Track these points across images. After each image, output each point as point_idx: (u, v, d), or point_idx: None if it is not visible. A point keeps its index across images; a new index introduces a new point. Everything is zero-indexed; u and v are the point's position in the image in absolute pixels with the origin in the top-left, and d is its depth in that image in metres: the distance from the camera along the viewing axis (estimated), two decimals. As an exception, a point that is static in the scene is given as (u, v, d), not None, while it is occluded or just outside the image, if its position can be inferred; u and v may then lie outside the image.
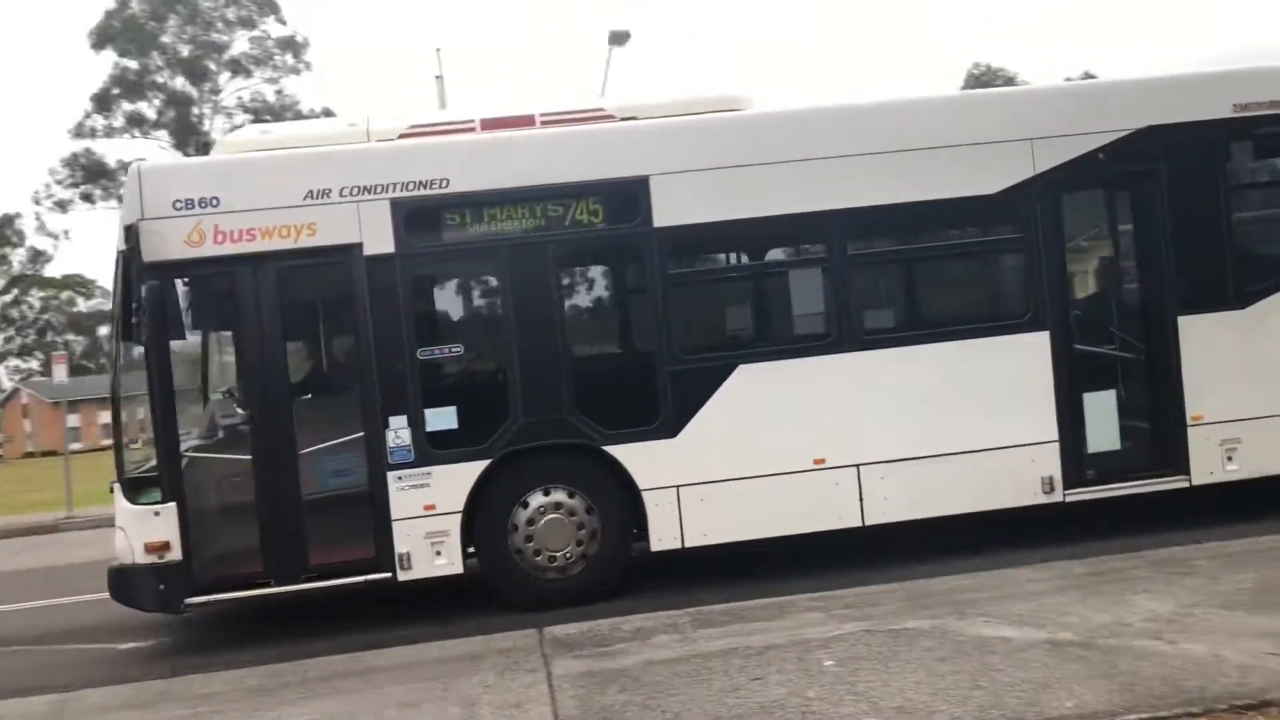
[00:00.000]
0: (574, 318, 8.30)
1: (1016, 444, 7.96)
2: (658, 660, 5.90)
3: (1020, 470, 7.96)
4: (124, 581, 7.53)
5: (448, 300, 8.50)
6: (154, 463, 7.45)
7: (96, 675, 7.07)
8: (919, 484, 7.88)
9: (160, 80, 47.07)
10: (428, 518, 7.57)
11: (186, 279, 7.70)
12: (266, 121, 40.50)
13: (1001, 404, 7.98)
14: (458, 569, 7.61)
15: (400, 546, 7.50)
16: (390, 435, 7.53)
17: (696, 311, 8.38)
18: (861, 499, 7.89)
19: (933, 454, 7.90)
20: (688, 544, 7.80)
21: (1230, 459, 8.11)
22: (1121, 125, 8.16)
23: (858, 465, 7.90)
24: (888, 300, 8.58)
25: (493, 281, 8.17)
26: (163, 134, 47.52)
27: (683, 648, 6.11)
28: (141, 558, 7.32)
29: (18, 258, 63.73)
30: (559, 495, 7.76)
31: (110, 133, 47.49)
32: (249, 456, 7.55)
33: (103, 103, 46.64)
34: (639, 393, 7.92)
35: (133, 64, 46.35)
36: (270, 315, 7.59)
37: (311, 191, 7.55)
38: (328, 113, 42.02)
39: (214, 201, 7.44)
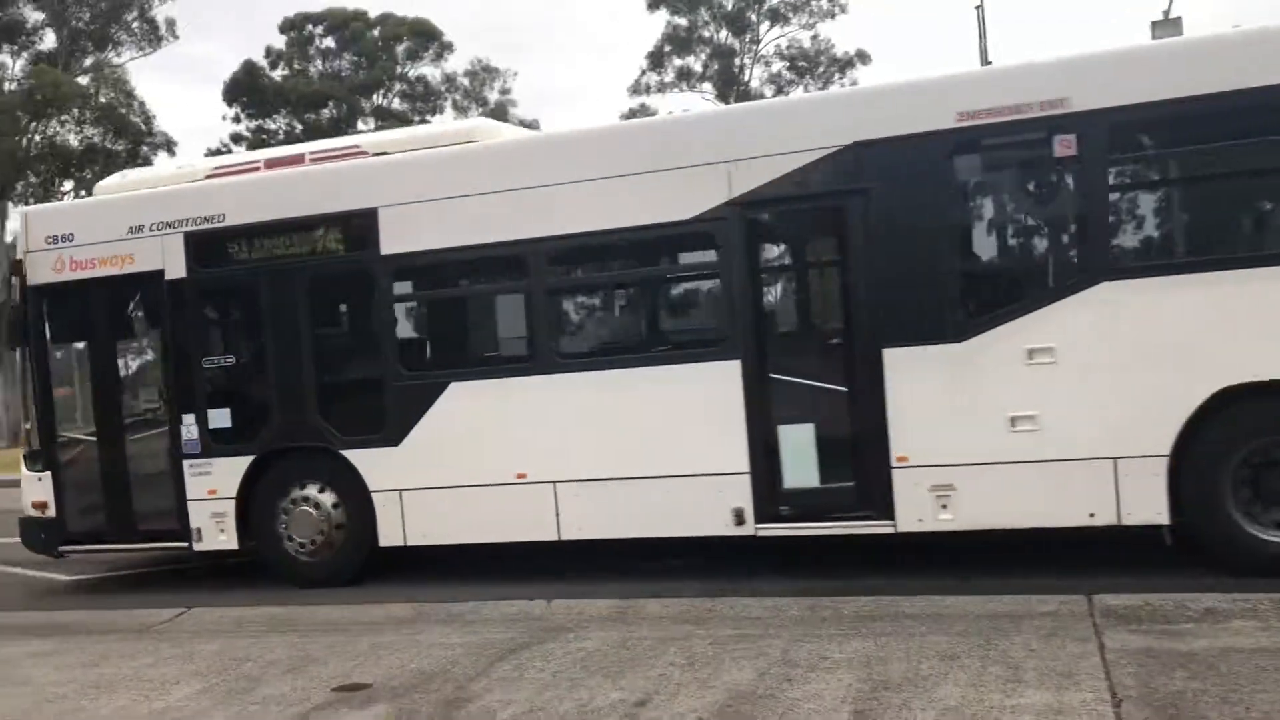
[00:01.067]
0: (320, 335, 9.04)
1: (706, 473, 7.67)
2: (1237, 649, 5.14)
3: (710, 500, 7.65)
4: (24, 529, 9.53)
5: (225, 318, 9.72)
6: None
7: (647, 589, 7.57)
8: (612, 505, 7.92)
9: (706, 35, 50.00)
10: (211, 500, 8.94)
11: (54, 299, 9.41)
12: (802, 68, 41.62)
13: (692, 432, 7.71)
14: (234, 545, 8.91)
15: (194, 522, 8.96)
16: (184, 430, 8.97)
17: (416, 333, 9.26)
18: (558, 514, 8.08)
19: (625, 476, 7.88)
20: (410, 543, 8.52)
21: (944, 507, 7.19)
22: (824, 143, 7.41)
23: (554, 482, 8.10)
24: (585, 325, 8.88)
25: (260, 302, 9.01)
26: (707, 86, 50.56)
27: (1267, 638, 5.26)
28: (31, 512, 9.44)
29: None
30: (310, 490, 8.82)
31: (662, 88, 51.42)
32: (95, 440, 9.32)
33: (656, 60, 50.56)
34: (370, 404, 8.65)
35: (682, 21, 49.63)
36: (104, 328, 9.43)
37: (131, 227, 9.10)
38: (861, 56, 42.07)
39: (70, 237, 9.26)
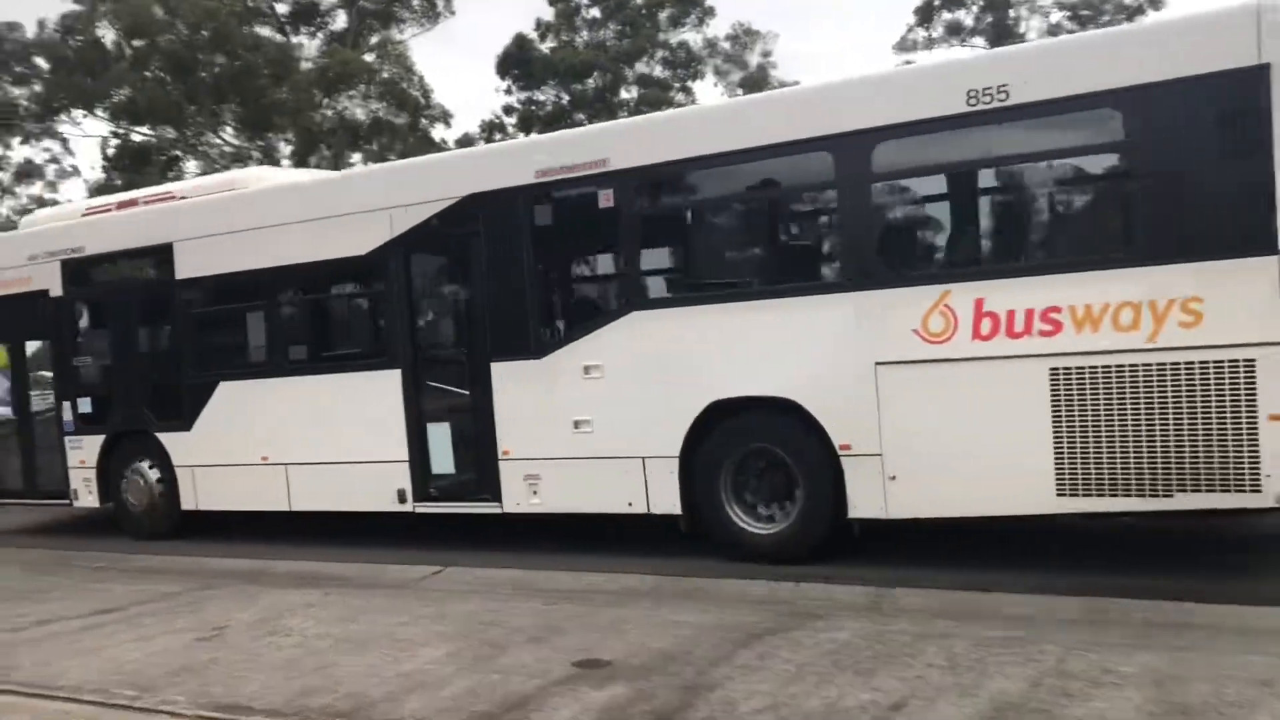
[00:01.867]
0: (144, 344, 11.47)
1: (379, 460, 9.33)
2: None
3: (382, 481, 9.34)
4: None
5: (87, 327, 11.86)
6: None
7: (909, 575, 7.11)
8: (322, 483, 9.77)
9: (979, -15, 47.32)
10: (82, 469, 11.42)
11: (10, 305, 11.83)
12: (1085, 16, 38.97)
13: (370, 427, 9.34)
14: (96, 503, 11.36)
15: (72, 484, 11.49)
16: (64, 414, 11.52)
17: (199, 342, 10.84)
18: (289, 489, 10.01)
19: (328, 461, 9.67)
20: (200, 508, 10.68)
21: (535, 493, 8.62)
22: (451, 194, 8.91)
23: (286, 464, 10.01)
24: (300, 338, 10.28)
25: (106, 315, 11.59)
26: (979, 40, 47.86)
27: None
28: None
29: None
30: (142, 465, 11.03)
31: (930, 44, 49.13)
32: (15, 419, 12.07)
33: (924, 14, 48.32)
34: (172, 399, 10.81)
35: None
36: (16, 333, 12.07)
37: (29, 256, 11.63)
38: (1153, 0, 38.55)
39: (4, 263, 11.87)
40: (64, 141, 55.66)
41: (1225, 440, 6.31)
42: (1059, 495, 6.77)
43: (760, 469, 7.87)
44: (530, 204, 8.62)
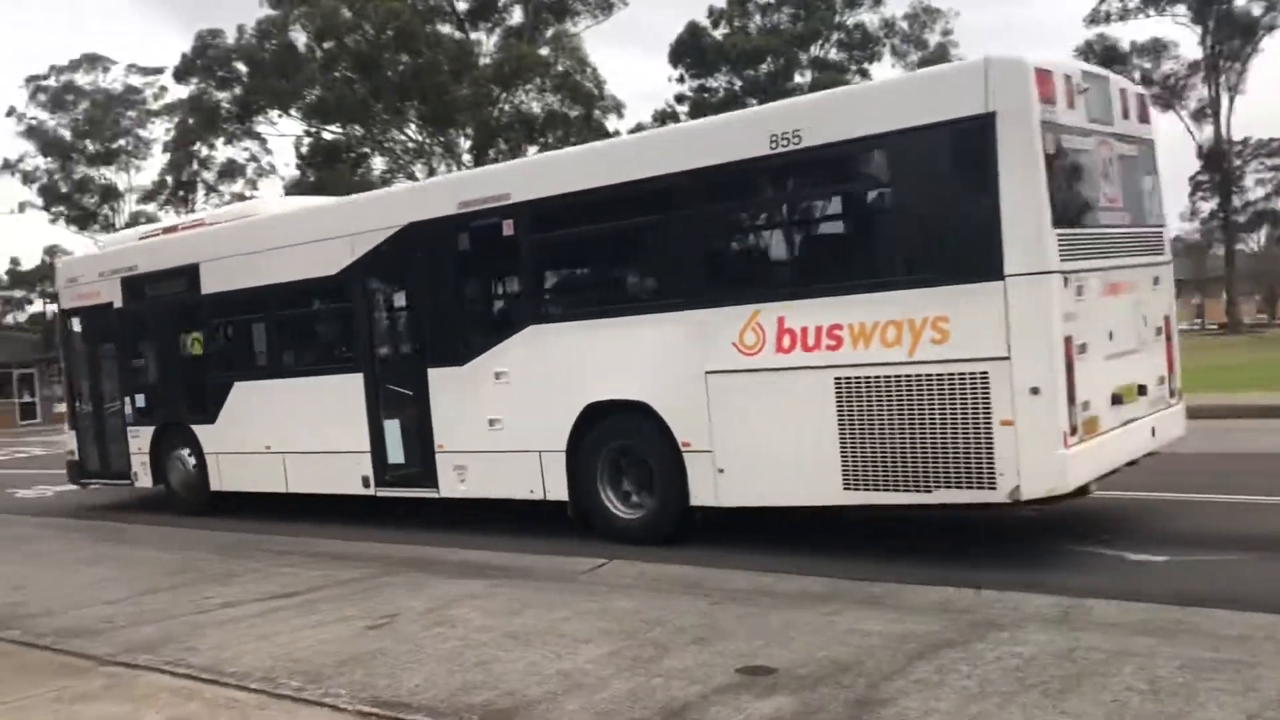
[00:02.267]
0: (181, 349, 12.89)
1: (349, 450, 10.82)
2: None
3: (351, 469, 10.81)
4: (67, 467, 14.66)
5: (141, 333, 13.49)
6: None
7: (1102, 583, 6.61)
8: (311, 469, 11.40)
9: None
10: (139, 455, 13.32)
11: (72, 319, 14.35)
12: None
13: (342, 422, 10.86)
14: (150, 485, 13.29)
15: (133, 468, 13.40)
16: (126, 407, 13.42)
17: (219, 348, 12.58)
18: (286, 474, 11.63)
19: (313, 451, 11.26)
20: (224, 489, 12.44)
21: (463, 481, 9.99)
22: (396, 222, 10.41)
23: (283, 453, 11.65)
24: (290, 346, 12.13)
25: (153, 324, 13.25)
26: (1180, 9, 44.85)
27: None
28: (68, 457, 14.59)
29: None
30: (182, 451, 12.84)
31: (1124, 15, 46.37)
32: (92, 413, 14.09)
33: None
34: (201, 396, 12.53)
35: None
36: (94, 338, 14.03)
37: (100, 273, 13.61)
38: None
39: (75, 280, 14.17)
40: (262, 141, 58.84)
41: (968, 442, 7.08)
42: (845, 489, 7.66)
43: (629, 463, 9.02)
44: (454, 231, 10.00)
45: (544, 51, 46.28)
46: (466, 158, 47.77)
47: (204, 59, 48.93)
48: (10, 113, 64.16)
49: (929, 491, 7.32)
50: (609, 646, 5.92)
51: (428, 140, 47.69)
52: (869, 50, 56.29)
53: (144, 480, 13.39)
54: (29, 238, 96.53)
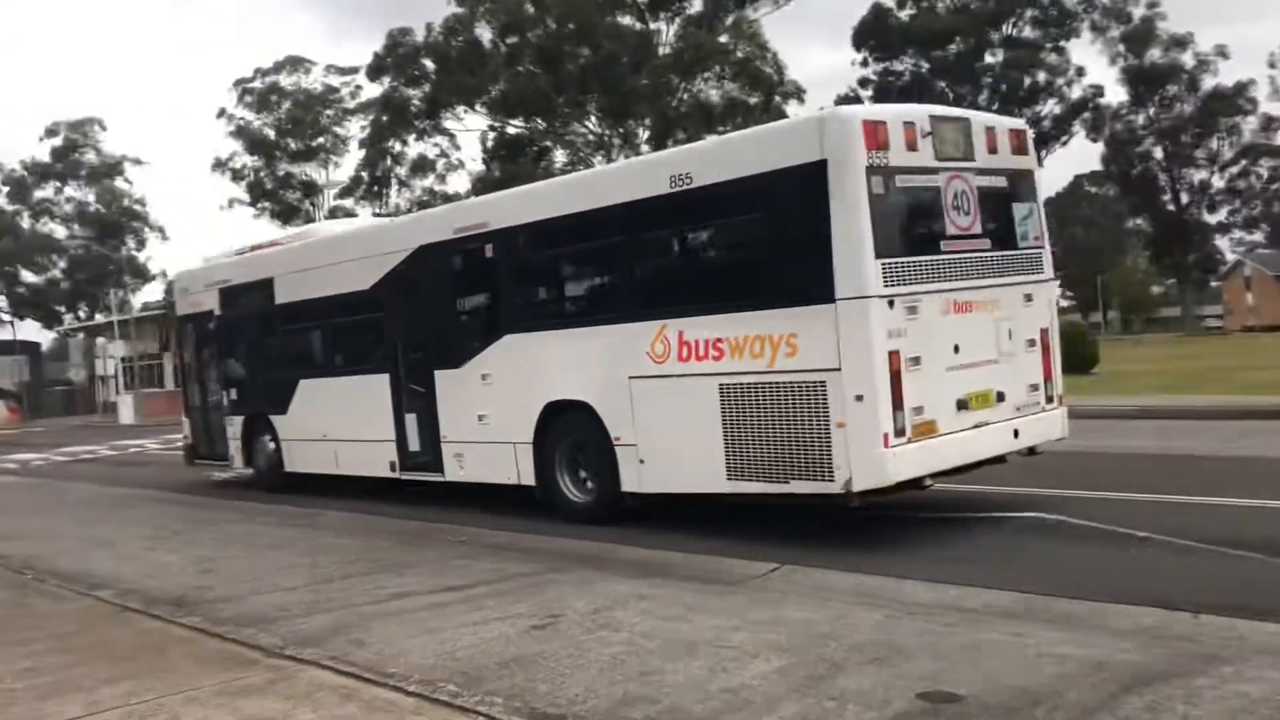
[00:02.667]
0: (263, 350, 15.19)
1: (381, 439, 12.63)
2: None
3: (382, 455, 12.67)
4: (183, 451, 17.39)
5: (234, 336, 15.71)
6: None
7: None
8: (353, 454, 13.31)
9: None
10: (234, 440, 15.48)
11: (187, 324, 16.68)
12: None
13: (375, 415, 12.64)
14: (243, 466, 15.46)
15: (230, 452, 15.50)
16: (224, 399, 15.67)
17: (288, 350, 14.76)
18: (337, 458, 13.69)
19: (358, 439, 13.08)
20: (294, 469, 14.53)
21: (461, 467, 11.67)
22: (410, 245, 12.22)
23: (334, 440, 13.65)
24: (339, 348, 14.15)
25: (242, 328, 15.50)
26: None
27: None
28: (183, 441, 17.40)
29: (1249, 126, 61.37)
30: (265, 438, 14.97)
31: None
32: (200, 404, 16.54)
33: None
34: (276, 390, 14.65)
35: None
36: (203, 341, 16.37)
37: (205, 285, 16.08)
38: None
39: (186, 291, 16.63)
40: (450, 136, 60.66)
41: (813, 441, 8.22)
42: (728, 479, 8.93)
43: (581, 455, 10.48)
44: (451, 253, 11.78)
45: (723, 39, 45.90)
46: (645, 148, 47.91)
47: (394, 57, 50.73)
48: (220, 114, 68.33)
49: (786, 483, 8.55)
50: (778, 662, 5.56)
51: (607, 132, 48.10)
52: (1066, 27, 53.61)
53: (238, 462, 15.60)
54: (238, 232, 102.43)
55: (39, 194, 76.93)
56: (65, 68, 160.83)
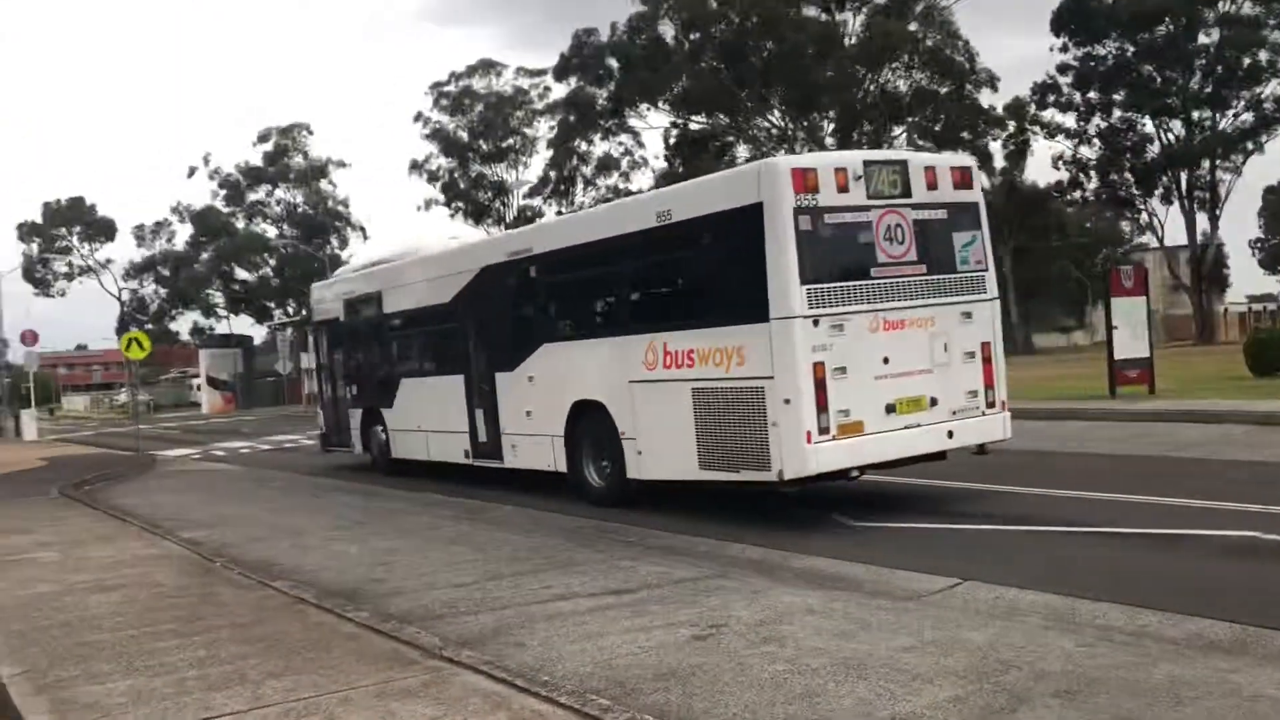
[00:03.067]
0: (375, 352, 17.89)
1: (458, 431, 14.86)
2: None
3: (459, 444, 14.93)
4: (320, 439, 20.05)
5: (354, 339, 18.59)
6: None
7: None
8: (440, 443, 15.62)
9: None
10: (355, 430, 18.16)
11: (319, 329, 19.62)
12: None
13: (454, 410, 14.89)
14: (360, 451, 18.22)
15: (352, 440, 18.25)
16: (348, 393, 18.50)
17: (393, 353, 17.32)
18: (428, 447, 15.97)
19: (444, 430, 15.33)
20: (400, 456, 16.89)
21: (515, 456, 13.73)
22: (477, 266, 14.53)
23: (426, 431, 15.97)
24: (428, 353, 16.28)
25: (360, 334, 18.32)
26: None
27: None
28: (319, 430, 20.32)
29: None
30: (377, 428, 17.55)
31: None
32: (331, 398, 19.30)
33: None
34: (385, 388, 17.14)
35: None
36: (332, 344, 19.29)
37: (333, 295, 19.03)
38: None
39: (320, 300, 19.57)
40: (635, 134, 61.13)
41: (755, 437, 9.68)
42: (700, 469, 10.47)
43: (600, 447, 12.06)
44: (506, 273, 13.74)
45: (912, 27, 44.49)
46: (830, 141, 46.98)
47: (580, 58, 51.44)
48: (417, 118, 70.90)
49: (738, 471, 10.14)
50: (953, 690, 5.15)
51: (791, 125, 47.40)
52: (1293, 1, 49.50)
53: (357, 449, 18.31)
54: (433, 232, 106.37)
55: (252, 196, 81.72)
56: (277, 75, 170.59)
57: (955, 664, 5.55)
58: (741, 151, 53.21)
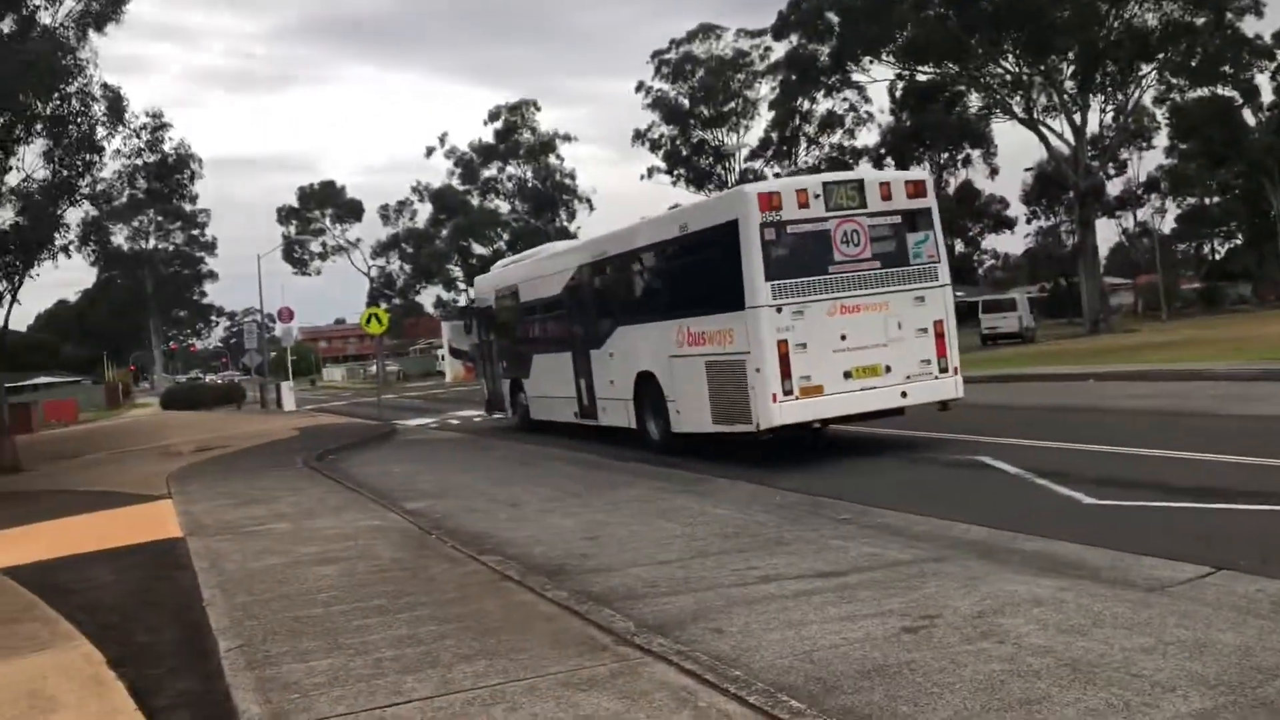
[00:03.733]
0: (516, 333, 21.56)
1: (570, 397, 18.38)
2: None
3: (570, 407, 18.45)
4: (485, 403, 24.48)
5: (503, 324, 22.20)
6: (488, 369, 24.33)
7: None
8: (560, 407, 19.12)
9: None
10: (507, 394, 22.41)
11: (478, 315, 23.77)
12: None
13: (567, 380, 18.39)
14: (510, 416, 22.55)
15: (505, 405, 22.65)
16: (499, 367, 22.84)
17: (527, 335, 20.87)
18: (551, 410, 19.82)
19: (560, 396, 18.96)
20: (536, 418, 20.70)
21: (605, 417, 17.25)
22: (575, 265, 18.14)
23: (549, 397, 19.64)
24: (548, 333, 19.78)
25: (507, 319, 21.93)
26: None
27: None
28: (485, 398, 24.53)
29: None
30: (520, 394, 21.60)
31: None
32: (489, 372, 23.70)
33: None
34: (524, 362, 20.97)
35: None
36: (488, 327, 23.28)
37: (488, 288, 23.52)
38: None
39: (480, 291, 24.36)
40: (859, 89, 59.36)
41: (741, 397, 12.93)
42: (713, 423, 13.70)
43: (656, 407, 15.28)
44: (595, 271, 17.40)
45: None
46: (1069, 84, 43.99)
47: (798, 14, 50.21)
48: (639, 87, 71.45)
49: (733, 425, 13.19)
50: (1201, 702, 4.51)
51: (1026, 70, 44.64)
52: None
53: (510, 413, 22.45)
54: (655, 201, 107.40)
55: (485, 173, 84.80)
56: (507, 52, 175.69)
57: (1204, 670, 4.88)
58: (974, 101, 50.68)
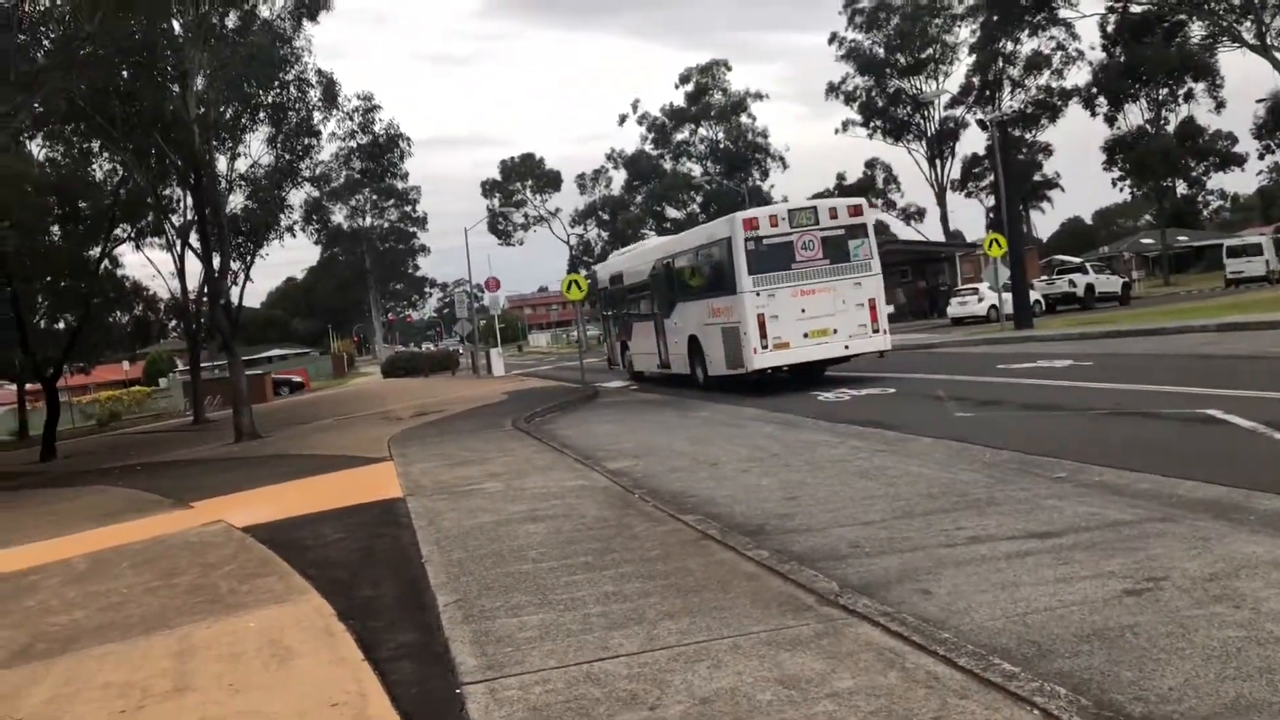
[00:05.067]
0: (624, 305, 30.23)
1: (653, 354, 26.47)
2: None
3: (655, 361, 26.37)
4: (608, 359, 33.90)
5: (615, 301, 31.24)
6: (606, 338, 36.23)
7: None
8: (649, 361, 27.24)
9: None
10: (624, 352, 30.79)
11: (601, 295, 33.05)
12: None
13: (651, 341, 26.57)
14: (623, 370, 31.19)
15: (622, 362, 31.36)
16: (618, 335, 31.66)
17: (630, 308, 29.31)
18: (644, 365, 28.16)
19: (648, 353, 27.34)
20: (637, 370, 29.40)
21: (673, 366, 24.95)
22: (653, 260, 26.33)
23: (642, 354, 28.21)
24: (641, 306, 27.97)
25: (617, 297, 30.96)
26: None
27: None
28: (607, 357, 34.63)
29: None
30: (628, 354, 30.55)
31: None
32: (611, 340, 34.09)
33: None
34: (628, 327, 29.77)
35: None
36: (604, 303, 33.60)
37: (606, 271, 32.67)
38: None
39: (598, 274, 33.89)
40: (1067, 26, 56.19)
41: (738, 351, 20.23)
42: (726, 369, 20.93)
43: (700, 358, 22.55)
44: (664, 265, 25.12)
45: None
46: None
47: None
48: (831, 39, 69.86)
49: (735, 369, 20.56)
50: None
51: (1258, -7, 41.07)
52: None
53: (623, 368, 30.41)
54: (851, 153, 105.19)
55: (678, 137, 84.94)
56: (693, 6, 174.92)
57: None
58: (1195, 30, 47.12)
